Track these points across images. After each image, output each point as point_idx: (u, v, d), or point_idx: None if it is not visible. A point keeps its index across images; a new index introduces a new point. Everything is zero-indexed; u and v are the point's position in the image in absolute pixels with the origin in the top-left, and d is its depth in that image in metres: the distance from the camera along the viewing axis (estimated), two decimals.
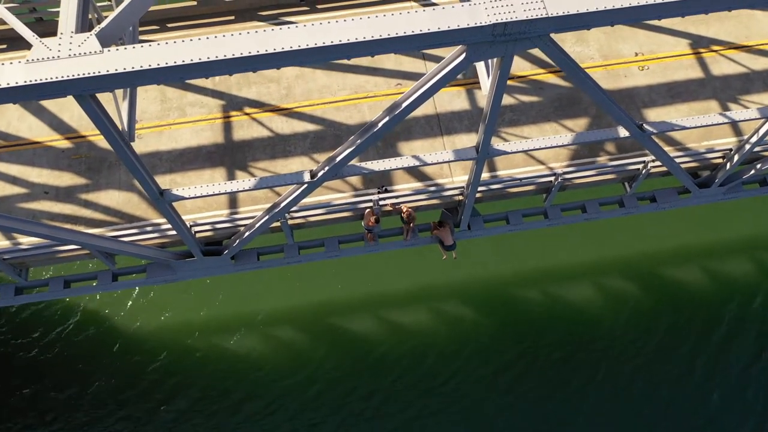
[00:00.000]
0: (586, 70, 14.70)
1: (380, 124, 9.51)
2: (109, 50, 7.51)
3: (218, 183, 10.63)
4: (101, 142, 13.65)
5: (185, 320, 21.64)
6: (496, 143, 11.71)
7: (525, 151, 10.91)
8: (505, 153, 10.87)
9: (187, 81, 14.54)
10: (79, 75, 7.36)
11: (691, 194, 13.96)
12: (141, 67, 7.38)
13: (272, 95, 14.36)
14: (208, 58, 7.44)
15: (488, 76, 10.25)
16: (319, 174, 10.54)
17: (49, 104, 14.28)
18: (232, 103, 14.29)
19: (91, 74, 7.37)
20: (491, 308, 21.76)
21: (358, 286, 22.02)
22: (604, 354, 20.94)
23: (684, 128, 11.07)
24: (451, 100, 14.25)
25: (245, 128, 13.99)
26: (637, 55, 14.75)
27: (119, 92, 10.81)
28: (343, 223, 13.35)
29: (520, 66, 14.63)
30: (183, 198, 10.50)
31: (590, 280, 21.91)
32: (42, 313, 21.62)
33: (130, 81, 7.56)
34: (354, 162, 11.05)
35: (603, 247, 21.89)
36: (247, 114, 14.17)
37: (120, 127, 9.30)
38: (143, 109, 14.23)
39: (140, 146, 13.78)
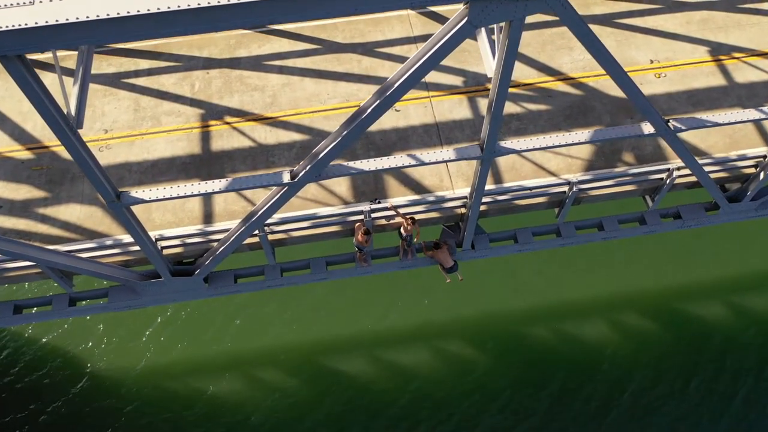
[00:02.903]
0: (598, 78, 13.69)
1: (369, 110, 8.20)
2: (41, 2, 6.27)
3: (185, 184, 9.23)
4: (65, 152, 12.35)
5: (184, 388, 19.55)
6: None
7: (537, 149, 9.55)
8: (513, 151, 9.51)
9: (164, 89, 13.55)
10: (2, 28, 6.09)
11: (719, 210, 12.53)
12: (77, 18, 6.12)
13: (256, 104, 13.16)
14: (169, 7, 6.15)
15: (493, 56, 8.99)
16: (301, 174, 9.16)
17: (11, 113, 13.09)
18: (212, 112, 13.07)
19: (17, 27, 6.10)
20: (510, 356, 19.46)
21: (358, 324, 20.14)
22: (654, 412, 18.30)
23: (716, 124, 9.75)
24: (452, 108, 13.03)
25: (225, 138, 12.72)
26: (652, 62, 13.62)
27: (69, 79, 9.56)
28: (332, 239, 11.87)
29: (525, 73, 13.50)
30: (143, 201, 9.10)
31: (618, 319, 19.65)
32: (15, 384, 19.43)
33: (64, 37, 6.28)
34: (341, 162, 9.69)
35: (629, 278, 19.67)
36: (227, 123, 12.92)
37: (65, 111, 7.97)
38: (114, 119, 13.02)
39: (108, 157, 12.49)
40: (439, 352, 19.87)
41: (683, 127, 9.64)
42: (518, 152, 9.53)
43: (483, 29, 9.26)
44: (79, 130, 12.62)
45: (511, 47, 7.46)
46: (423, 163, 9.40)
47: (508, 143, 9.56)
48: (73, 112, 8.41)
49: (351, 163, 9.41)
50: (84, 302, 12.11)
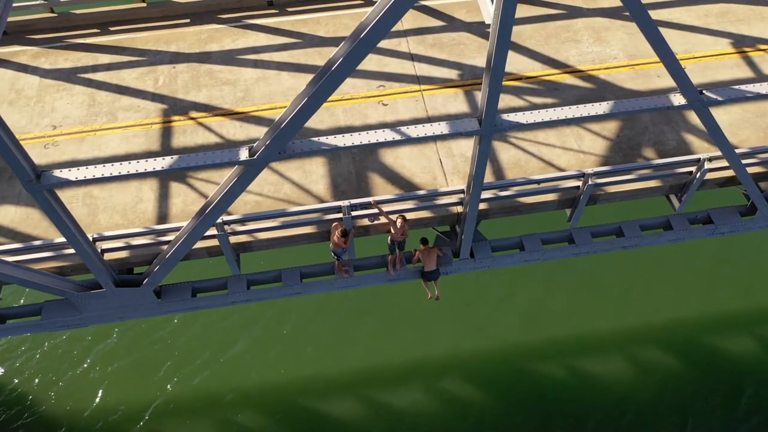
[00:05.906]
0: (610, 71, 12.29)
1: (341, 60, 6.67)
2: None
3: (120, 163, 7.61)
4: None
5: None
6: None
7: (547, 123, 7.99)
8: (518, 126, 7.94)
9: (124, 84, 12.12)
10: None
11: (757, 214, 10.85)
12: None
13: (226, 98, 11.72)
14: None
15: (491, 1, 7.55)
16: (261, 149, 7.56)
17: None
18: (176, 108, 11.60)
19: None
20: (516, 396, 17.16)
21: (348, 361, 17.85)
22: None
23: (759, 95, 8.24)
24: (446, 102, 11.58)
25: (188, 134, 11.20)
26: None
27: None
28: (306, 244, 10.14)
29: (528, 66, 12.13)
30: (69, 181, 7.47)
31: (641, 357, 17.41)
32: None
33: None
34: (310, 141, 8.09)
35: (657, 308, 17.56)
36: (192, 119, 11.44)
37: None
38: (65, 114, 11.55)
39: (54, 155, 10.95)
40: (439, 392, 17.62)
41: (719, 98, 8.11)
42: (524, 127, 7.96)
43: None
44: (23, 130, 11.24)
45: None
46: (409, 138, 7.82)
47: (512, 116, 8.00)
48: None
49: (323, 139, 7.82)
50: (14, 320, 10.28)
